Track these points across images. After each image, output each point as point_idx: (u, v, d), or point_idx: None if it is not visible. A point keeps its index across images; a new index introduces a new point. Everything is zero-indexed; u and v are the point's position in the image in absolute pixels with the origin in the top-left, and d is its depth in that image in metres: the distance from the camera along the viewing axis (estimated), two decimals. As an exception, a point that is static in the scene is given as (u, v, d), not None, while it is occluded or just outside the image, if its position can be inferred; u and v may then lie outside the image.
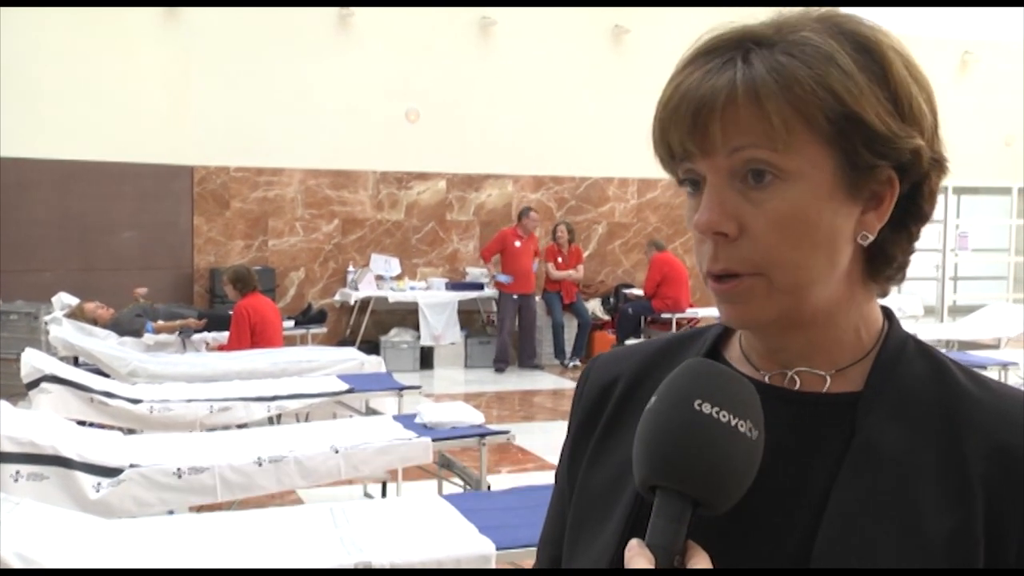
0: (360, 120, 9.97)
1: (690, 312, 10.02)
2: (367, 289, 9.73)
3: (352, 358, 6.31)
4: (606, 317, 10.66)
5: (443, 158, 10.35)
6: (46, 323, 7.09)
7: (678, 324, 9.89)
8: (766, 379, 0.84)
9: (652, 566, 0.70)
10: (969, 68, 12.28)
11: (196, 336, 7.49)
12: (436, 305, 9.78)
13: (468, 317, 10.32)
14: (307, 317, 8.97)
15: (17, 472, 3.49)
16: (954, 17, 11.26)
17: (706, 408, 0.73)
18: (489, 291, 10.05)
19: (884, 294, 0.86)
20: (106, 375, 5.74)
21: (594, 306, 10.64)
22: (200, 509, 4.03)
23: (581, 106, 10.59)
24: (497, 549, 2.97)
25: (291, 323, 8.54)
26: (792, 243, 0.76)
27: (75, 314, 7.23)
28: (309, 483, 4.09)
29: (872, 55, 0.77)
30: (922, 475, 0.77)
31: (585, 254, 10.58)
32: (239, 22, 9.55)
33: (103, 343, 6.57)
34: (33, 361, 4.89)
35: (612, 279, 11.07)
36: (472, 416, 4.56)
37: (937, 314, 12.63)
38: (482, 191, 10.61)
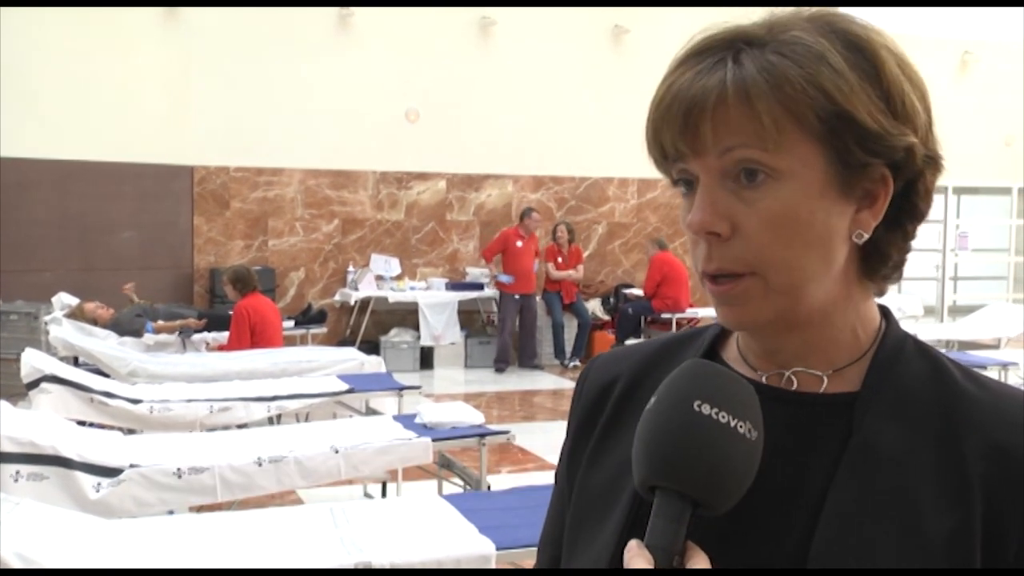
0: (360, 120, 9.97)
1: (690, 312, 10.01)
2: (367, 289, 9.73)
3: (352, 358, 6.31)
4: (606, 317, 10.65)
5: (443, 158, 10.35)
6: (46, 323, 7.09)
7: (678, 324, 9.89)
8: (763, 379, 0.84)
9: (651, 566, 0.70)
10: (969, 68, 12.28)
11: (196, 336, 7.50)
12: (436, 305, 9.78)
13: (468, 317, 10.32)
14: (307, 317, 8.97)
15: (17, 472, 3.50)
16: (954, 17, 11.26)
17: (706, 409, 0.73)
18: (489, 291, 10.05)
19: (881, 293, 0.85)
20: (106, 375, 5.74)
21: (594, 306, 10.64)
22: (200, 509, 4.03)
23: (581, 106, 10.59)
24: (497, 549, 2.97)
25: (291, 323, 8.54)
26: (785, 242, 0.77)
27: (75, 314, 7.23)
28: (309, 483, 4.09)
29: (864, 53, 0.77)
30: (920, 475, 0.76)
31: (585, 254, 10.58)
32: (239, 22, 9.55)
33: (103, 343, 6.57)
34: (33, 361, 4.89)
35: (612, 279, 11.07)
36: (472, 416, 4.56)
37: (937, 314, 12.64)
38: (482, 191, 10.61)
